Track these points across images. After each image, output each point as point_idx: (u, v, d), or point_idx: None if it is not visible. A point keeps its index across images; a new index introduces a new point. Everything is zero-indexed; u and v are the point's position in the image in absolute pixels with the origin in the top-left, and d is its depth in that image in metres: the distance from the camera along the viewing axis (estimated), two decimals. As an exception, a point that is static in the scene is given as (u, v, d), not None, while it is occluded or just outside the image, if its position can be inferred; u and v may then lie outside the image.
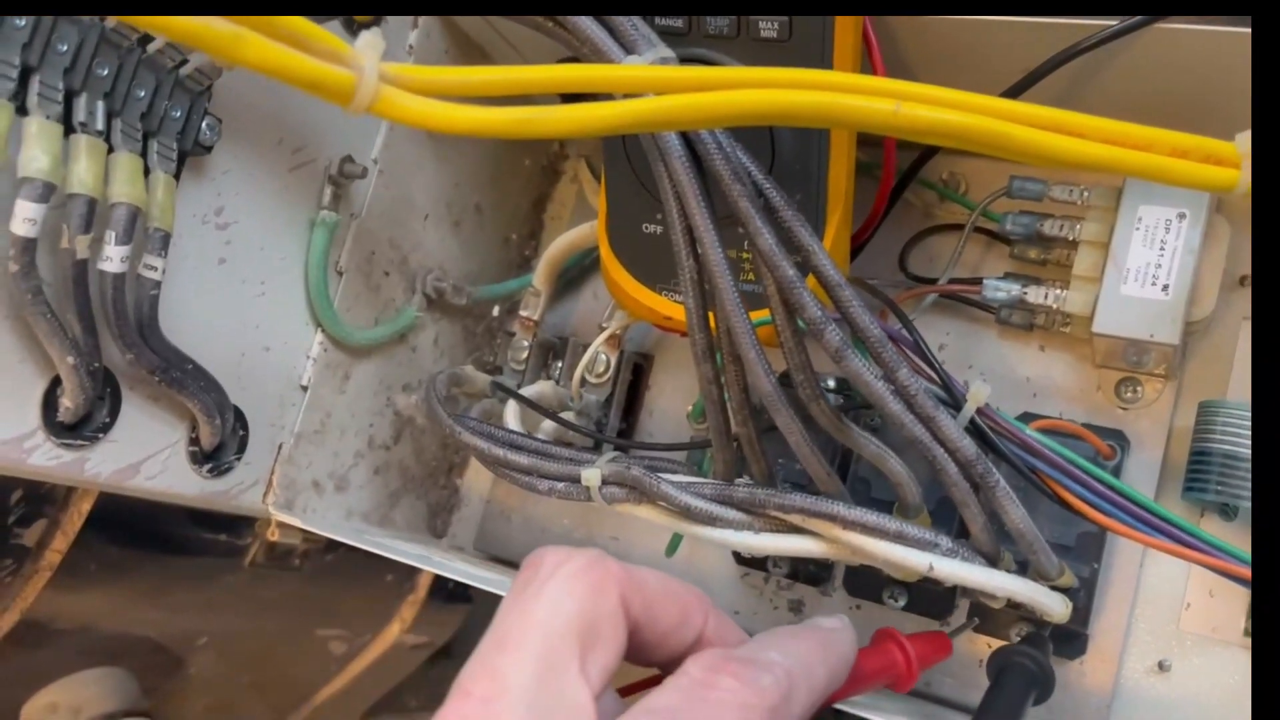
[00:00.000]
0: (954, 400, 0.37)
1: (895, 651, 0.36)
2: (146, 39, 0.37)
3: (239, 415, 0.46)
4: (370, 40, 0.27)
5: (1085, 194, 0.44)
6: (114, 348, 0.39)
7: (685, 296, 0.36)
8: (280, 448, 0.49)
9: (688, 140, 0.34)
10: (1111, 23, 0.40)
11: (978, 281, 0.47)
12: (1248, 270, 0.46)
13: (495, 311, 0.59)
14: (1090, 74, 0.42)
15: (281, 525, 0.50)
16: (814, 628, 0.31)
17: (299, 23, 0.26)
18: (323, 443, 0.51)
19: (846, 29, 0.39)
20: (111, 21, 0.36)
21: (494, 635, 0.25)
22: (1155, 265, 0.41)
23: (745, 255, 0.43)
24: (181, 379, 0.41)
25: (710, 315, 0.36)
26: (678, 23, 0.40)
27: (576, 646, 0.25)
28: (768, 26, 0.39)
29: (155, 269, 0.38)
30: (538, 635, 0.24)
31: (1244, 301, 0.46)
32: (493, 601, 0.46)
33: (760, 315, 0.36)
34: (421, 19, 0.52)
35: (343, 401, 0.52)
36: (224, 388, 0.44)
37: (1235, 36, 0.38)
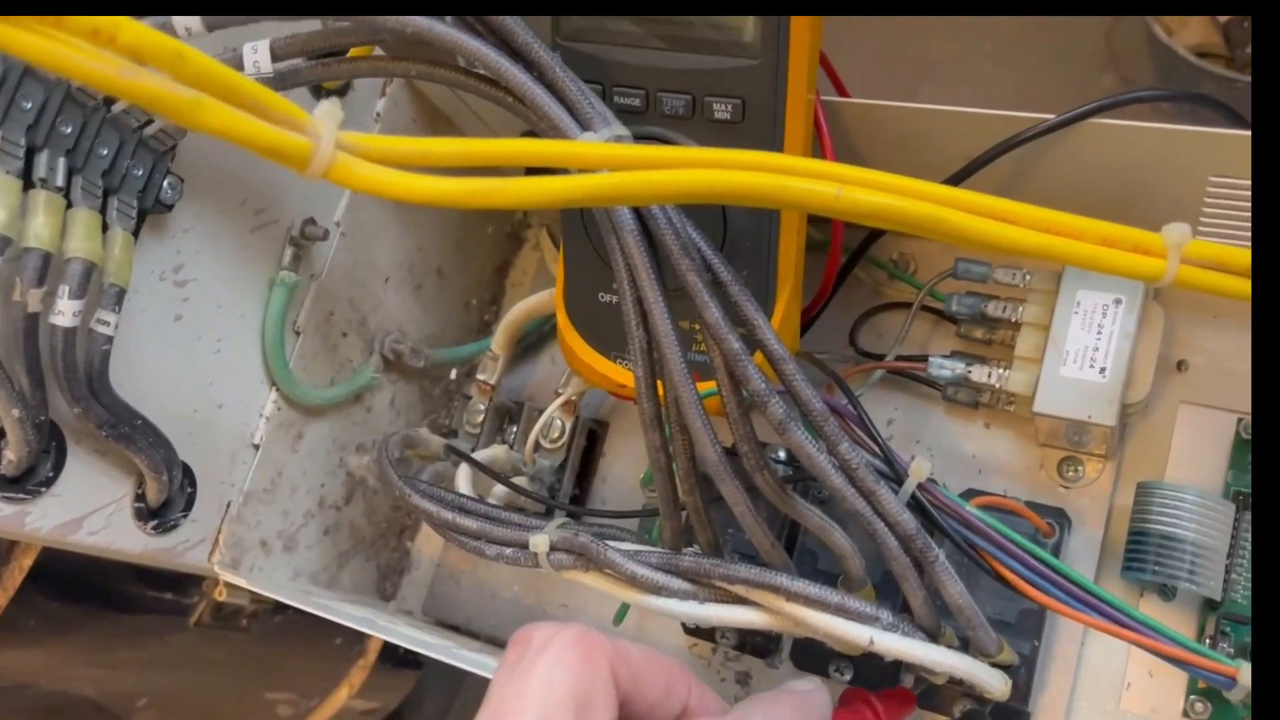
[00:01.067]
0: (896, 475, 0.37)
1: (866, 711, 0.36)
2: (111, 99, 0.38)
3: (187, 472, 0.46)
4: (328, 109, 0.28)
5: (1027, 277, 0.46)
6: (62, 401, 0.39)
7: (634, 365, 0.36)
8: (229, 506, 0.49)
9: (640, 215, 0.35)
10: (1049, 116, 0.42)
11: (925, 359, 0.48)
12: (1184, 355, 0.48)
13: (453, 375, 0.60)
14: (1031, 163, 0.43)
15: (230, 585, 0.49)
16: (790, 691, 0.31)
17: (259, 90, 0.27)
18: (272, 501, 0.51)
19: (798, 113, 0.41)
20: (78, 80, 0.36)
21: (490, 709, 0.26)
22: (1093, 348, 0.43)
23: (698, 327, 0.44)
24: (130, 434, 0.41)
25: (659, 384, 0.37)
26: (635, 101, 0.42)
27: (573, 716, 0.25)
28: (721, 109, 0.41)
29: (108, 324, 0.39)
30: (535, 706, 0.25)
31: (1180, 385, 0.48)
32: (443, 668, 0.46)
33: (709, 386, 0.37)
34: (390, 88, 0.54)
35: (294, 460, 0.52)
36: (173, 444, 0.44)
37: (1167, 133, 0.40)
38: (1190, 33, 1.11)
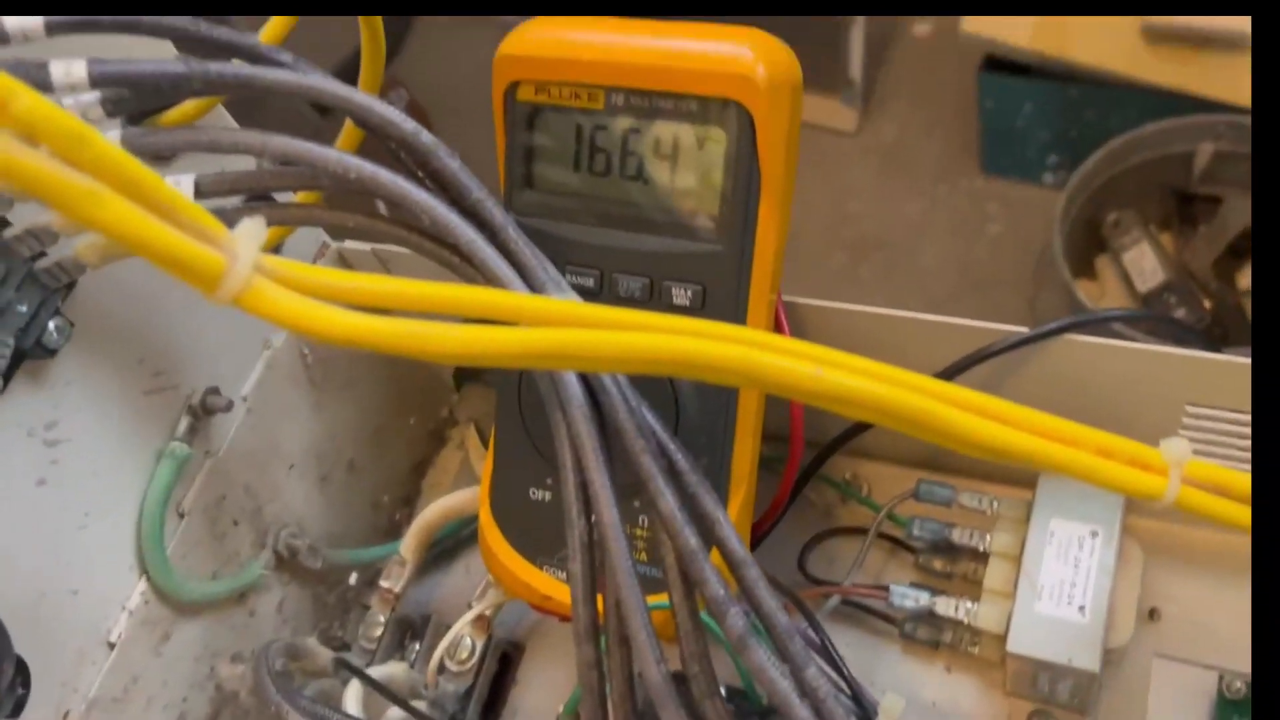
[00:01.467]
0: (863, 713, 0.32)
1: None
2: (3, 223, 0.34)
3: (21, 668, 0.38)
4: (250, 227, 0.24)
5: (995, 504, 0.43)
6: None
7: (572, 562, 0.31)
8: (66, 715, 0.41)
9: (590, 389, 0.31)
10: (1023, 330, 0.40)
11: (882, 588, 0.43)
12: (1155, 602, 0.44)
13: (353, 579, 0.53)
14: (1001, 378, 0.41)
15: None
16: None
17: (170, 192, 0.23)
18: (122, 712, 0.43)
19: (760, 308, 0.38)
20: (-32, 199, 0.32)
21: None
22: (1070, 583, 0.39)
23: (640, 532, 0.39)
24: (-45, 615, 0.34)
25: (598, 591, 0.32)
26: (589, 282, 0.39)
27: None
28: (680, 294, 0.38)
29: (-47, 477, 0.33)
30: None
31: (1154, 635, 0.44)
32: None
33: (654, 599, 0.32)
34: (319, 260, 0.50)
35: (156, 665, 0.44)
36: (9, 632, 0.37)
37: (1143, 353, 0.38)
38: (1111, 302, 1.15)
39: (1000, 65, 1.32)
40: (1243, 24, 1.13)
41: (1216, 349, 0.43)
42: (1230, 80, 1.14)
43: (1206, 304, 1.10)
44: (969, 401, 0.29)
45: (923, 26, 1.69)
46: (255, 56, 0.34)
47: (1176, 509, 0.30)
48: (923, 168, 1.53)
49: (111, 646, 0.42)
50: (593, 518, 0.31)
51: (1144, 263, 1.12)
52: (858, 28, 1.48)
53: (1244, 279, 1.12)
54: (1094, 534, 0.40)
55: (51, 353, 0.37)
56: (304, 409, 0.51)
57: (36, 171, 0.21)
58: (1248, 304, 1.09)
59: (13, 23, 0.29)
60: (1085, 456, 0.29)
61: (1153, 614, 0.44)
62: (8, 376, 0.35)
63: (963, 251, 1.43)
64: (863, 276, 1.45)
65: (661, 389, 0.38)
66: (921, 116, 1.58)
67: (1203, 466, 0.30)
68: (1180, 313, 1.07)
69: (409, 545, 0.51)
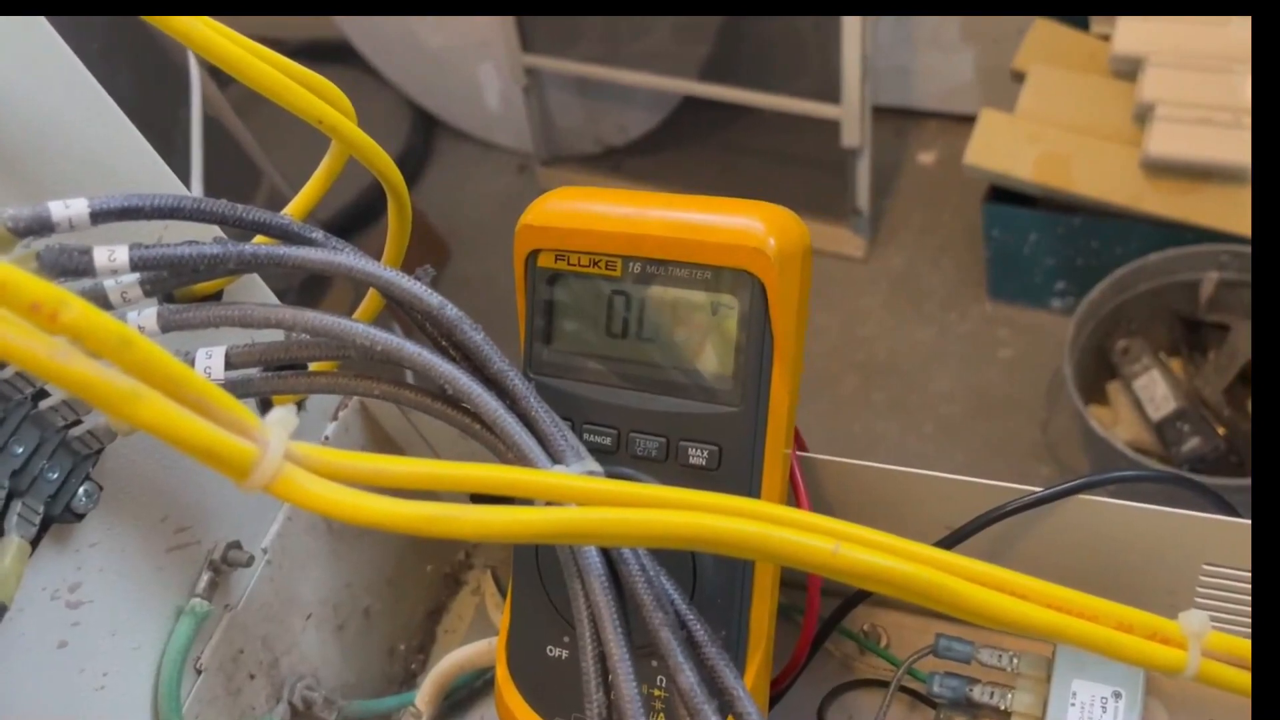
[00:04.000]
0: None
1: None
2: (41, 394, 0.35)
3: (33, 836, 0.38)
4: (281, 416, 0.25)
5: (1014, 660, 0.42)
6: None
7: (589, 736, 0.31)
8: None
9: (609, 560, 0.32)
10: (1036, 489, 0.40)
11: (904, 747, 0.43)
12: (1184, 761, 0.44)
13: (367, 732, 0.53)
14: (1014, 537, 0.41)
15: None
16: None
17: (206, 386, 0.24)
18: None
19: (775, 466, 0.39)
20: (8, 372, 0.33)
21: None
22: (1094, 747, 0.38)
23: (657, 692, 0.39)
24: (-29, 784, 0.34)
25: (615, 762, 0.32)
26: (605, 440, 0.40)
27: None
28: (697, 454, 0.39)
29: (-22, 646, 0.33)
30: None
31: (1182, 797, 0.43)
32: None
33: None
34: (343, 412, 0.51)
35: (166, 828, 0.44)
36: (23, 800, 0.37)
37: (1157, 514, 0.39)
38: (1124, 428, 1.15)
39: (1005, 195, 1.35)
40: (1242, 156, 1.15)
41: (1217, 496, 0.43)
42: (1231, 211, 1.16)
43: (1220, 431, 1.10)
44: (987, 576, 0.29)
45: (927, 155, 1.73)
46: (287, 234, 0.35)
47: (1197, 682, 0.30)
48: (932, 293, 1.55)
49: (123, 810, 0.42)
50: (611, 686, 0.31)
51: (1155, 390, 1.13)
52: (865, 158, 1.52)
53: (1257, 405, 1.12)
54: (1117, 695, 0.39)
55: (79, 517, 0.37)
56: (322, 558, 0.51)
57: (79, 375, 0.22)
58: (1262, 431, 1.09)
59: (59, 212, 0.31)
60: (1105, 631, 0.29)
61: (1180, 773, 0.43)
62: (35, 542, 0.36)
63: (974, 376, 1.44)
64: (875, 401, 1.46)
65: (679, 559, 0.38)
66: (929, 244, 1.61)
67: (1223, 639, 0.30)
68: (1194, 441, 1.07)
69: (424, 696, 0.50)
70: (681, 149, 1.85)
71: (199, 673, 0.44)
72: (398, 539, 0.56)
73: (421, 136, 1.97)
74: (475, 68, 1.85)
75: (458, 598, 0.59)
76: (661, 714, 0.39)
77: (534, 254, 0.40)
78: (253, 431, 0.24)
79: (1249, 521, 0.37)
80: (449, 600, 0.59)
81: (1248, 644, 0.30)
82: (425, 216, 1.73)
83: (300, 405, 0.47)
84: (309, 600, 0.50)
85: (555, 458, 0.34)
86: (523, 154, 1.94)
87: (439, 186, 1.93)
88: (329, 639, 0.52)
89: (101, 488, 0.38)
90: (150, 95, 0.39)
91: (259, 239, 0.36)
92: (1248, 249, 1.13)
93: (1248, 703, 0.45)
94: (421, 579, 0.58)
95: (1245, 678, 0.31)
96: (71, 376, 0.22)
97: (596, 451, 0.39)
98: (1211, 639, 0.30)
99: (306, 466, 0.25)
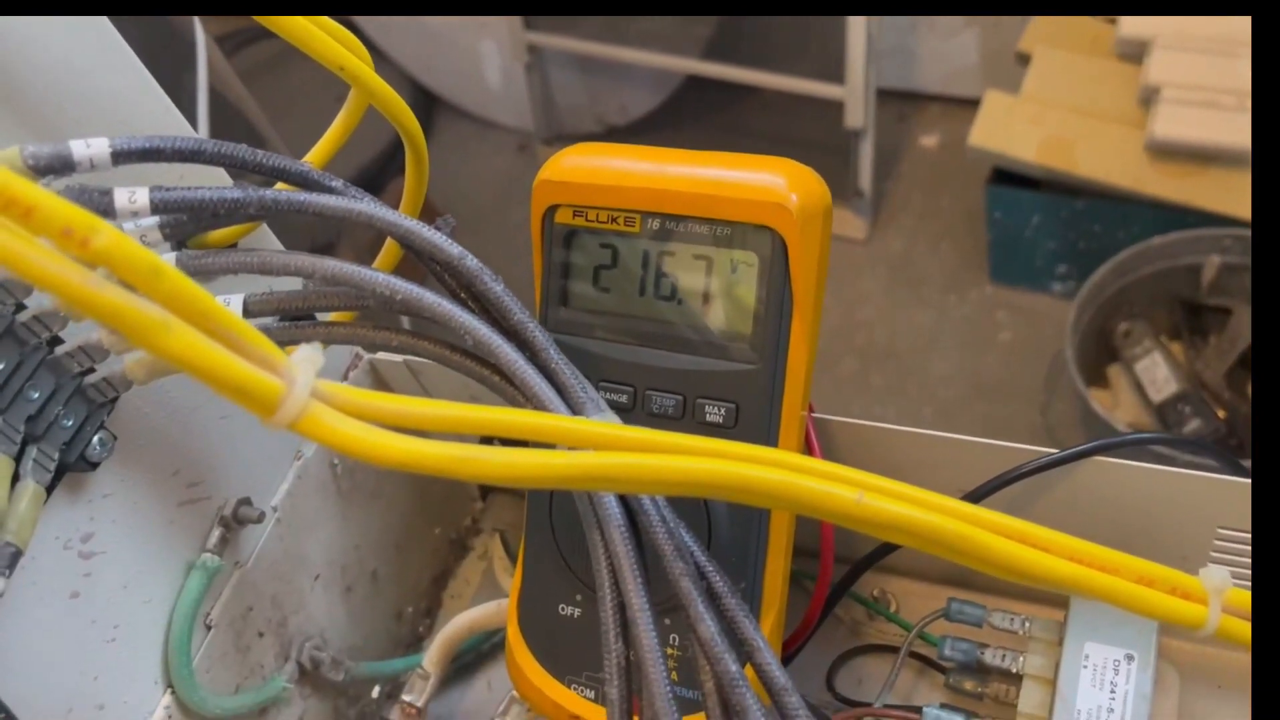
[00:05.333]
0: (903, 844, 0.32)
1: None
2: (56, 340, 0.34)
3: (43, 786, 0.38)
4: (308, 353, 0.25)
5: (1027, 624, 0.42)
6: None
7: (608, 686, 0.31)
8: (84, 835, 0.40)
9: (629, 510, 0.32)
10: (1051, 451, 0.40)
11: (914, 709, 0.43)
12: (1192, 727, 0.44)
13: (374, 693, 0.53)
14: (1029, 499, 0.41)
15: None
16: None
17: (234, 321, 0.24)
18: (138, 833, 0.42)
19: (792, 425, 0.39)
20: (25, 315, 0.33)
21: None
22: (1107, 710, 0.38)
23: (671, 651, 0.39)
24: (-16, 731, 0.34)
25: (634, 714, 0.32)
26: (622, 398, 0.39)
27: None
28: (713, 411, 0.38)
29: (-8, 590, 0.33)
30: None
31: (1191, 762, 0.43)
32: None
33: (690, 720, 0.32)
34: (353, 373, 0.51)
35: (175, 783, 0.44)
36: (34, 749, 0.36)
37: (1173, 476, 0.39)
38: (1124, 411, 1.15)
39: (1008, 177, 1.35)
40: (1245, 140, 1.15)
41: (1234, 461, 0.43)
42: (1234, 195, 1.16)
43: (1220, 414, 1.10)
44: (1008, 528, 0.29)
45: (929, 139, 1.73)
46: (307, 182, 0.35)
47: (1217, 639, 0.30)
48: (932, 276, 1.55)
49: (132, 763, 0.42)
50: (632, 637, 0.31)
51: (1156, 373, 1.13)
52: (868, 140, 1.52)
53: (1257, 390, 1.12)
54: (1129, 658, 0.39)
55: (94, 465, 0.37)
56: (331, 519, 0.51)
57: (110, 303, 0.22)
58: (1262, 415, 1.09)
59: (80, 151, 0.30)
60: (1126, 584, 0.29)
61: (1188, 739, 0.44)
62: (50, 489, 0.35)
63: (973, 359, 1.44)
64: (874, 384, 1.46)
65: (695, 507, 0.38)
66: (930, 227, 1.61)
67: (1243, 595, 0.30)
68: (1195, 423, 1.07)
69: (432, 658, 0.50)
70: (682, 129, 1.85)
71: (209, 629, 0.44)
72: (406, 502, 0.56)
73: (421, 114, 1.96)
74: (476, 45, 1.84)
75: (464, 563, 0.59)
76: (675, 672, 0.39)
77: (551, 210, 0.40)
78: (279, 367, 0.24)
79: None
80: (456, 565, 0.59)
81: (1268, 601, 0.30)
82: (432, 208, 1.73)
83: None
84: (317, 561, 0.50)
85: (575, 409, 0.33)
86: (523, 133, 1.93)
87: (438, 165, 1.92)
88: (336, 600, 0.52)
89: (116, 437, 0.38)
90: (156, 63, 0.38)
91: (280, 187, 0.35)
92: (1250, 233, 1.13)
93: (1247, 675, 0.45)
94: (429, 543, 0.58)
95: (1264, 635, 0.31)
96: (104, 304, 0.22)
97: (613, 409, 0.39)
98: (1231, 595, 0.30)
99: (333, 404, 0.25)
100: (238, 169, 0.34)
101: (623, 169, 0.38)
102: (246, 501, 0.45)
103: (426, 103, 1.98)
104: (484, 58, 1.86)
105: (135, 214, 0.31)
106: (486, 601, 0.51)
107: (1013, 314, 1.47)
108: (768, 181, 0.36)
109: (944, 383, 1.44)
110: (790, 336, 0.38)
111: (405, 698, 0.50)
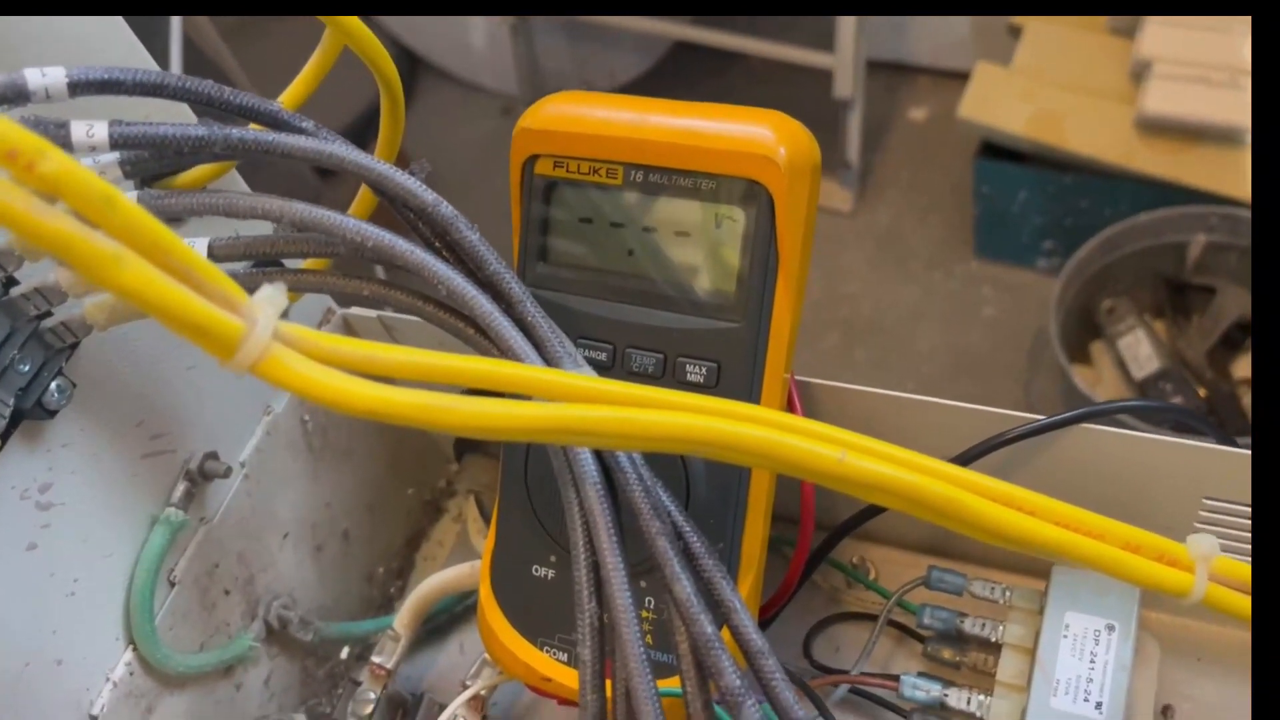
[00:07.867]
0: (878, 812, 0.31)
1: None
2: (11, 281, 0.33)
3: (-2, 742, 0.37)
4: (271, 293, 0.23)
5: (1007, 593, 0.42)
6: None
7: (581, 647, 0.30)
8: (42, 792, 0.39)
9: (605, 467, 0.31)
10: (1038, 417, 0.39)
11: (892, 678, 0.42)
12: (1172, 700, 0.43)
13: (344, 654, 0.52)
14: (1017, 465, 0.41)
15: None
16: None
17: (192, 256, 0.22)
18: (98, 792, 0.41)
19: (774, 387, 0.38)
20: (-22, 255, 0.32)
21: None
22: (1086, 679, 0.38)
23: (646, 614, 0.38)
24: (-65, 684, 0.33)
25: (607, 676, 0.31)
26: (601, 356, 0.38)
27: None
28: (694, 370, 0.37)
29: (-57, 540, 0.32)
30: None
31: (1168, 735, 0.43)
32: None
33: (665, 685, 0.31)
34: (324, 328, 0.50)
35: (136, 741, 0.43)
36: (-12, 703, 0.35)
37: (1159, 444, 0.38)
38: (1106, 388, 1.15)
39: (996, 151, 1.34)
40: (1236, 117, 1.15)
41: (1220, 432, 0.43)
42: (1223, 173, 1.16)
43: (1201, 392, 1.10)
44: (994, 491, 0.28)
45: (918, 112, 1.72)
46: (277, 122, 0.33)
47: (1203, 607, 0.29)
48: (917, 251, 1.54)
49: (94, 719, 0.41)
50: (605, 596, 0.30)
51: (1139, 350, 1.13)
52: (856, 111, 1.51)
53: (1238, 369, 1.12)
54: (1110, 628, 0.39)
55: (51, 413, 0.36)
56: (301, 477, 0.50)
57: (58, 232, 0.20)
58: (1242, 393, 1.10)
59: (35, 80, 0.29)
60: (1112, 550, 0.29)
61: (1166, 711, 0.43)
62: (5, 436, 0.34)
63: (956, 335, 1.44)
64: (857, 359, 1.46)
65: (672, 467, 0.37)
66: (916, 201, 1.60)
67: (1230, 564, 0.30)
68: (1176, 401, 1.07)
69: (403, 619, 0.49)
70: (669, 96, 1.83)
71: (173, 585, 0.43)
72: (379, 461, 0.55)
73: (405, 76, 1.93)
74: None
75: (438, 524, 0.58)
76: (649, 636, 0.38)
77: (531, 160, 0.39)
78: (240, 307, 0.23)
79: (1249, 452, 0.37)
80: (429, 527, 0.58)
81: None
82: (406, 157, 1.70)
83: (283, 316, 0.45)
84: (287, 519, 0.49)
85: (552, 364, 0.32)
86: (507, 96, 1.91)
87: (421, 128, 1.90)
88: (306, 559, 0.51)
89: (75, 385, 0.36)
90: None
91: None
92: (1237, 212, 1.13)
93: (1237, 641, 0.45)
94: (402, 504, 0.57)
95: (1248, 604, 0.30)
96: (50, 234, 0.20)
97: (592, 366, 0.38)
98: (1219, 563, 0.29)
99: (295, 347, 0.24)
100: (204, 105, 0.32)
101: (605, 118, 0.37)
102: (213, 455, 0.44)
103: (409, 64, 1.95)
104: (469, 19, 1.83)
105: (94, 149, 0.30)
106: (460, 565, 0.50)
107: (997, 289, 1.47)
108: (755, 134, 0.35)
109: (927, 358, 1.43)
110: (775, 295, 0.37)
111: (375, 659, 0.49)
